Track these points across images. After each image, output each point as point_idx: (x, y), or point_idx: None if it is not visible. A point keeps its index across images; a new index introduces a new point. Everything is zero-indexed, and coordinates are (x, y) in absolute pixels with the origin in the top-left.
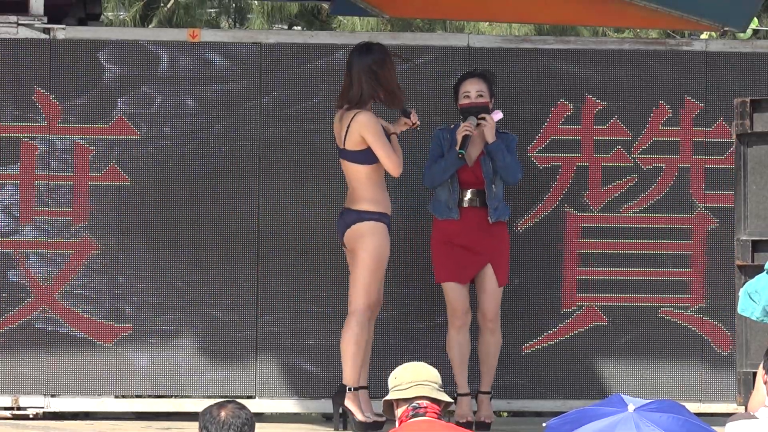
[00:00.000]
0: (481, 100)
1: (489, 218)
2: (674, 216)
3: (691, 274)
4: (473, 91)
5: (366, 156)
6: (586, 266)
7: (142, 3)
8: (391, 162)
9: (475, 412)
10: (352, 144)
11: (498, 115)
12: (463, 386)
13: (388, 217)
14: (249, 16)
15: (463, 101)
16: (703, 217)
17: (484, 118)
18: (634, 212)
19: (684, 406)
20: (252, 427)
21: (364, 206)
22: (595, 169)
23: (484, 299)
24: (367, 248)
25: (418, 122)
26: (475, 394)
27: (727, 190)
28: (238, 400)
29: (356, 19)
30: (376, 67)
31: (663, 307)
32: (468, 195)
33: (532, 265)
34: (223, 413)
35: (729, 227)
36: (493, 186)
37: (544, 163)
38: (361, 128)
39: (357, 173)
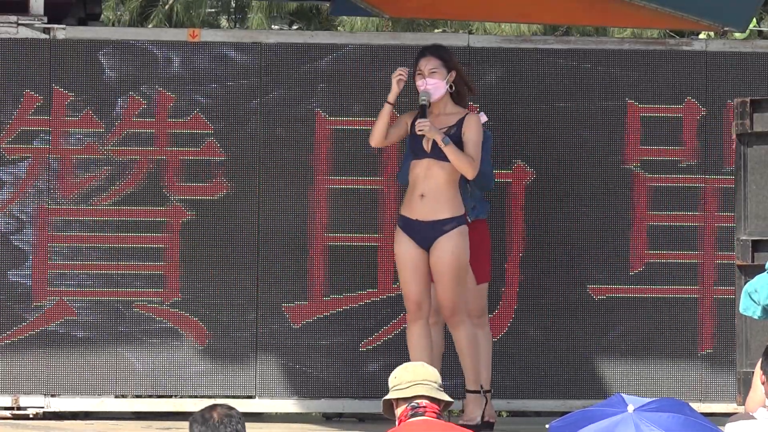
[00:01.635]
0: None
1: (468, 218)
2: (147, 209)
3: (164, 268)
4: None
5: None
6: (56, 260)
7: (139, 1)
8: None
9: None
10: None
11: (483, 118)
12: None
13: (403, 219)
14: (249, 15)
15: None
16: (178, 209)
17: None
18: (106, 204)
19: (686, 404)
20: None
21: None
22: (66, 161)
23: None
24: None
25: (423, 129)
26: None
27: (204, 182)
28: (234, 401)
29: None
30: None
31: (137, 301)
32: None
33: None
34: (215, 414)
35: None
36: (468, 186)
37: (13, 154)
38: None
39: None
